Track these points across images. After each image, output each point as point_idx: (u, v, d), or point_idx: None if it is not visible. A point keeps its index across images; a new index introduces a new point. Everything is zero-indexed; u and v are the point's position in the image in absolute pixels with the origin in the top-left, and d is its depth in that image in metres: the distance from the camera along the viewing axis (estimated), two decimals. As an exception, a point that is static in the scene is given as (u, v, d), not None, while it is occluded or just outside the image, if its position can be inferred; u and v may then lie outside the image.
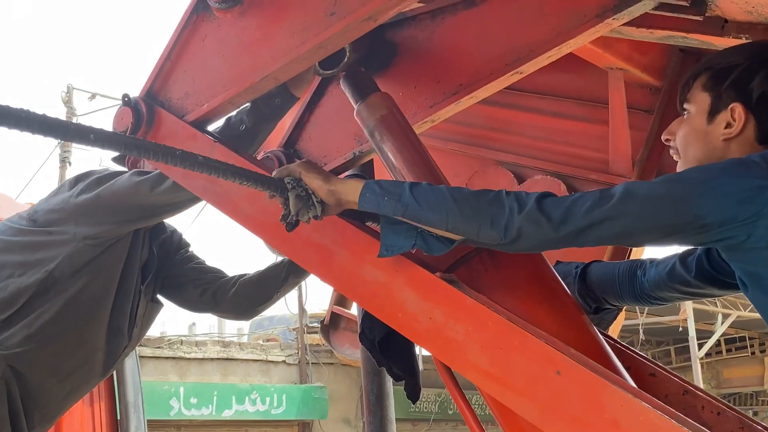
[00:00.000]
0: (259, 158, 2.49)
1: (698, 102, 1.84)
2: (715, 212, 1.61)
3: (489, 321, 1.75)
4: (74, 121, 14.15)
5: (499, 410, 1.91)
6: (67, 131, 1.53)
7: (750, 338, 18.79)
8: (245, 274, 2.99)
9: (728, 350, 19.10)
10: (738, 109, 1.76)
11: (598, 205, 1.65)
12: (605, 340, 2.04)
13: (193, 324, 19.08)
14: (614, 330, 3.02)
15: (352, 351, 4.16)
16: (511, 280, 1.97)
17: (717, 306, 15.43)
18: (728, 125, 1.78)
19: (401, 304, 1.88)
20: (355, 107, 2.28)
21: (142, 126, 2.24)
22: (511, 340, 1.72)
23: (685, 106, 1.88)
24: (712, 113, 1.81)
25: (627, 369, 1.99)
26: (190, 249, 3.07)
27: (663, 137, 1.95)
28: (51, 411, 2.80)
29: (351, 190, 1.88)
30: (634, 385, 1.81)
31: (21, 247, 2.65)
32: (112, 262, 2.67)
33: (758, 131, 1.75)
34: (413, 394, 2.30)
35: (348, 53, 2.32)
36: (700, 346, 15.52)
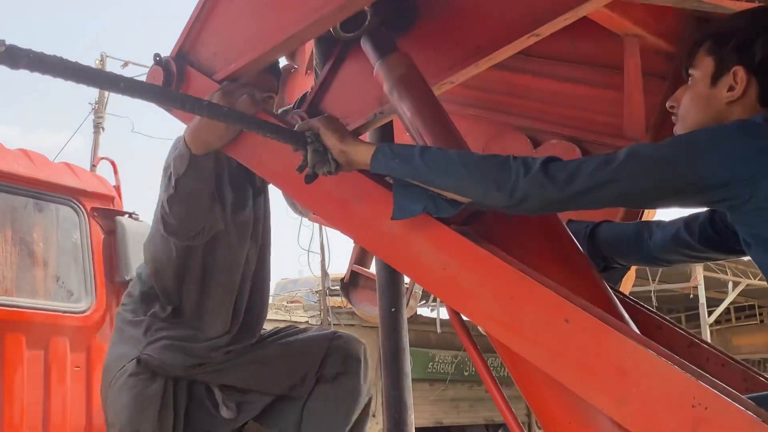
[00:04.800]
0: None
1: (702, 67, 1.88)
2: (717, 172, 1.65)
3: (500, 271, 1.81)
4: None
5: (510, 358, 1.96)
6: (99, 78, 1.60)
7: (759, 306, 18.84)
8: None
9: (737, 318, 19.17)
10: (740, 71, 1.80)
11: (603, 166, 1.70)
12: (614, 294, 2.11)
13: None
14: (624, 290, 3.08)
15: (370, 308, 4.26)
16: (523, 233, 2.03)
17: (727, 274, 15.46)
18: (731, 88, 1.82)
19: (417, 255, 1.95)
20: (375, 66, 2.34)
21: (172, 84, 2.30)
22: (522, 290, 1.78)
23: (690, 71, 1.92)
24: (715, 77, 1.85)
25: (635, 322, 2.03)
26: None
27: (668, 104, 1.99)
28: None
29: (362, 153, 1.95)
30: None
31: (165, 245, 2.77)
32: None
33: (760, 93, 1.80)
34: None
35: (369, 17, 2.38)
36: (710, 313, 15.60)
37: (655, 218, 3.15)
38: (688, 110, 1.91)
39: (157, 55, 2.35)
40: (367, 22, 2.38)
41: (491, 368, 2.02)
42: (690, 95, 1.92)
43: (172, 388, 2.76)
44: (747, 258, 1.96)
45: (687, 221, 2.21)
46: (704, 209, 2.16)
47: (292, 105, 2.95)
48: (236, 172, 2.64)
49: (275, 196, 2.93)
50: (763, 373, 2.18)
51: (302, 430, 2.90)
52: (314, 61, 2.74)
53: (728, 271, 15.45)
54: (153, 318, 2.82)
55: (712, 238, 2.13)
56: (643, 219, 3.23)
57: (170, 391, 2.75)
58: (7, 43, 1.39)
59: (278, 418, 2.98)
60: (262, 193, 2.92)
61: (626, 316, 2.01)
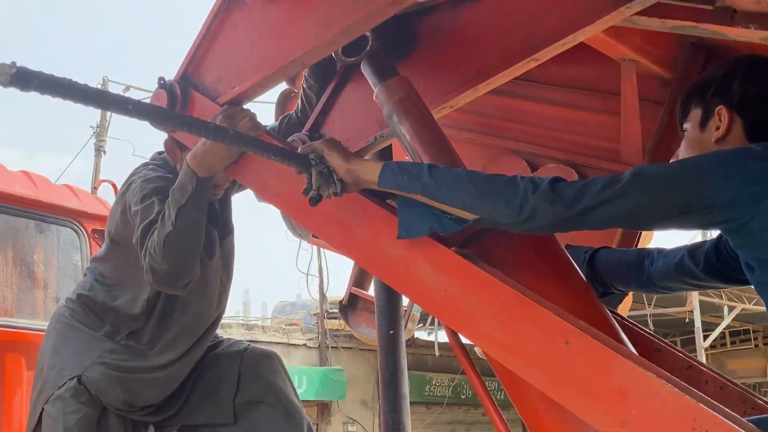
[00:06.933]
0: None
1: (692, 117, 1.98)
2: (720, 193, 1.69)
3: (501, 293, 1.82)
4: (108, 112, 14.72)
5: (508, 380, 1.97)
6: (107, 101, 1.62)
7: (754, 331, 18.89)
8: None
9: (732, 342, 19.18)
10: (723, 110, 1.90)
11: (609, 185, 1.74)
12: (613, 316, 2.12)
13: (220, 309, 19.60)
14: (622, 314, 3.09)
15: (369, 330, 4.25)
16: (522, 256, 2.05)
17: (723, 299, 15.47)
18: (717, 128, 1.90)
19: (419, 278, 1.96)
20: (375, 90, 2.36)
21: (176, 107, 2.33)
22: (522, 312, 1.79)
23: (684, 126, 2.02)
24: (703, 122, 1.95)
25: (634, 344, 2.05)
26: None
27: (671, 161, 2.04)
28: None
29: (370, 170, 1.97)
30: (639, 357, 1.88)
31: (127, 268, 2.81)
32: None
33: (746, 129, 1.88)
34: None
35: (370, 42, 2.42)
36: (706, 337, 15.60)
37: (651, 245, 3.17)
38: (684, 156, 1.98)
39: (161, 78, 2.37)
40: (368, 47, 2.41)
41: (490, 391, 2.03)
42: (684, 144, 2.01)
43: (119, 421, 2.80)
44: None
45: (691, 249, 2.23)
46: (708, 240, 2.20)
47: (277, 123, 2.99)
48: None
49: (275, 218, 2.99)
50: (760, 396, 2.19)
51: None
52: (303, 81, 2.77)
53: (723, 296, 15.47)
54: (107, 338, 2.83)
55: (716, 267, 2.15)
56: (639, 243, 3.26)
57: (114, 422, 2.78)
58: (18, 65, 1.41)
59: None
60: (229, 235, 2.98)
61: (625, 338, 2.02)
